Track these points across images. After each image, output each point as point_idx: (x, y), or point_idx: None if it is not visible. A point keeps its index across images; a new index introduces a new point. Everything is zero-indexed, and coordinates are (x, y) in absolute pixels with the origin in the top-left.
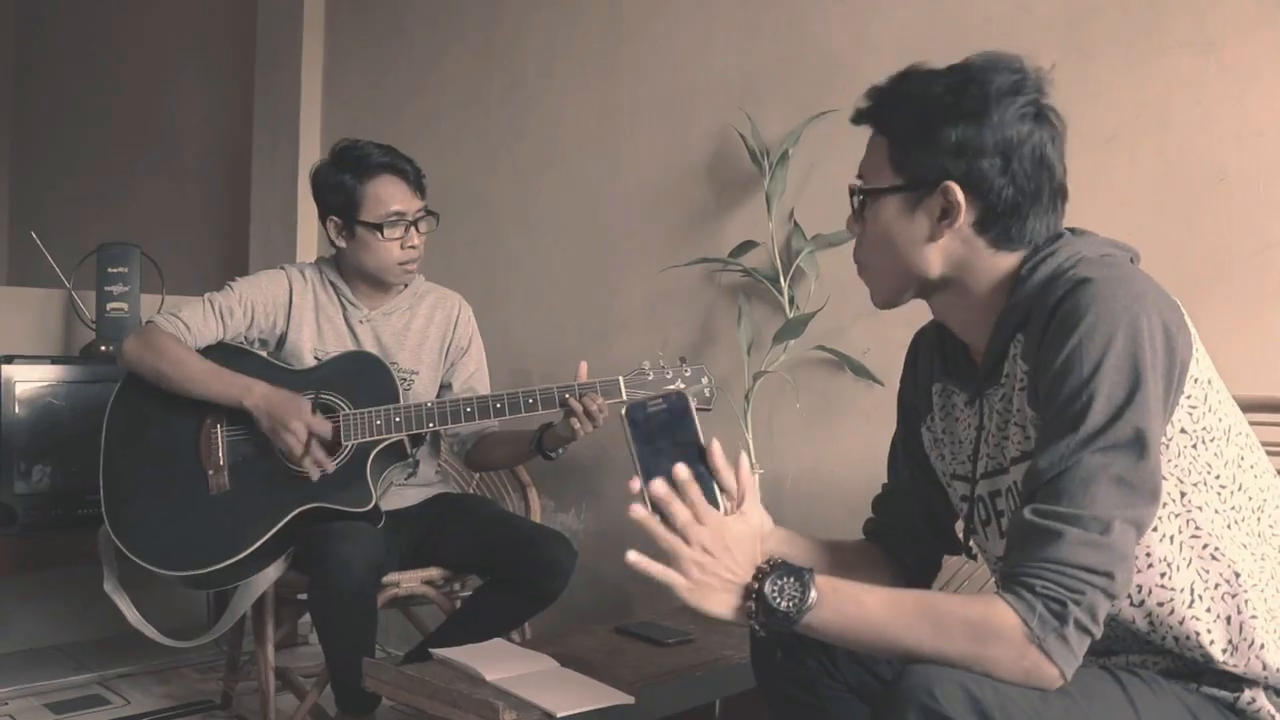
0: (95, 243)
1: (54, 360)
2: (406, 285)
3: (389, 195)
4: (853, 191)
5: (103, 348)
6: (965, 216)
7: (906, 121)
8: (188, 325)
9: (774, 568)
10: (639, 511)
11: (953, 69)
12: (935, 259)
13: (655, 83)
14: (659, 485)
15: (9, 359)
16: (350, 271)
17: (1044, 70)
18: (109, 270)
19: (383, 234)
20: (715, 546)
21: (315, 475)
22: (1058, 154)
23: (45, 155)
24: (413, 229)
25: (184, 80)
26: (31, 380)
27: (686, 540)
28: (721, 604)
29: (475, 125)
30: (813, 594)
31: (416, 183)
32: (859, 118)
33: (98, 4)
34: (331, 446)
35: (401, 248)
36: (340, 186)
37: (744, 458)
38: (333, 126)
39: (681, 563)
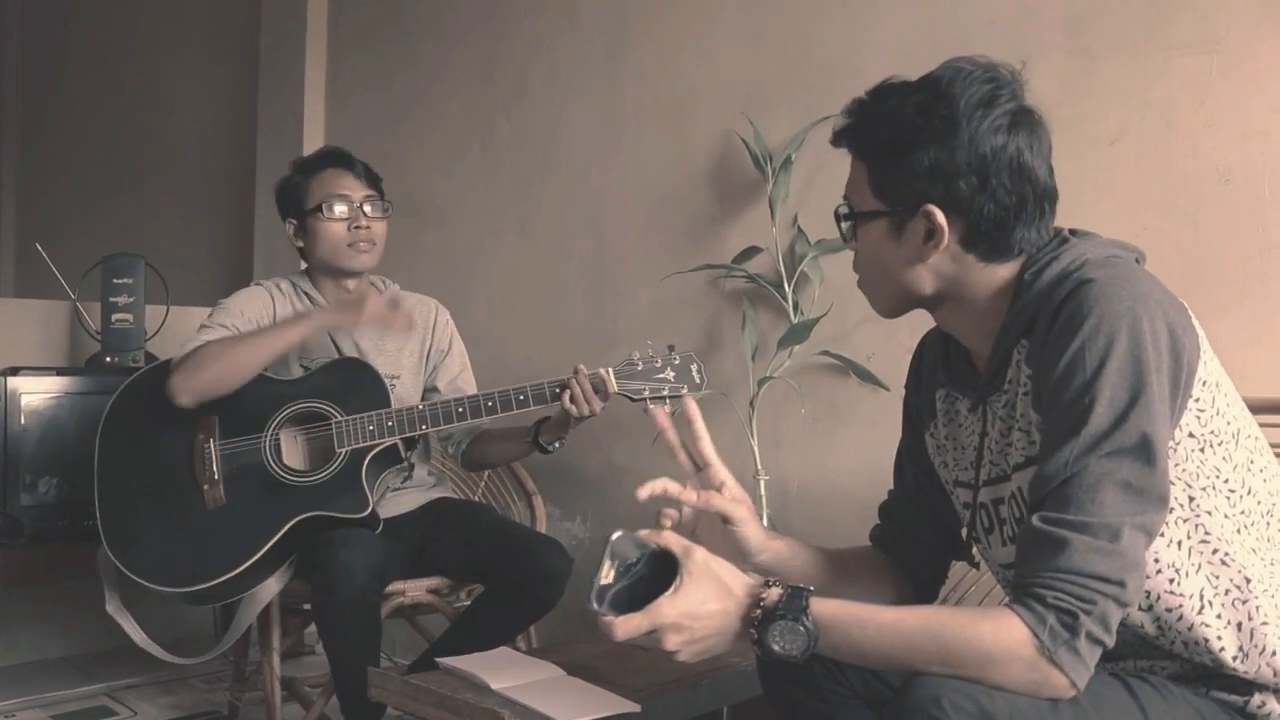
0: (100, 254)
1: (60, 371)
2: (376, 284)
3: (332, 183)
4: (838, 216)
5: (107, 358)
6: (950, 236)
7: (880, 146)
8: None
9: (768, 615)
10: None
11: (924, 83)
12: (926, 278)
13: (658, 89)
14: (619, 628)
15: (15, 370)
16: (317, 274)
17: (1018, 71)
18: (114, 281)
19: (324, 212)
20: (683, 623)
21: (402, 324)
22: (1041, 157)
23: (51, 168)
24: (360, 212)
25: (188, 92)
26: (37, 391)
27: (661, 639)
28: (722, 646)
29: (478, 133)
30: (813, 633)
31: (365, 175)
32: (838, 139)
33: (103, 19)
34: (327, 453)
35: (349, 229)
36: (289, 186)
37: (671, 535)
38: (336, 138)
39: (672, 652)
